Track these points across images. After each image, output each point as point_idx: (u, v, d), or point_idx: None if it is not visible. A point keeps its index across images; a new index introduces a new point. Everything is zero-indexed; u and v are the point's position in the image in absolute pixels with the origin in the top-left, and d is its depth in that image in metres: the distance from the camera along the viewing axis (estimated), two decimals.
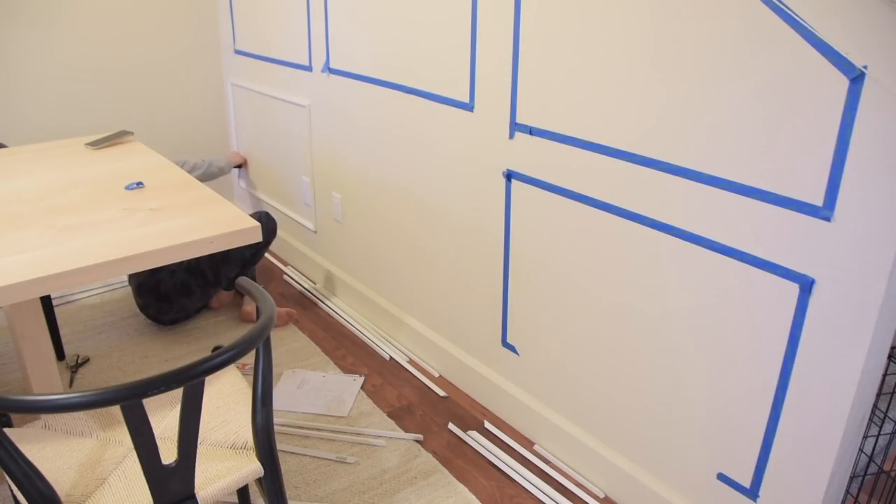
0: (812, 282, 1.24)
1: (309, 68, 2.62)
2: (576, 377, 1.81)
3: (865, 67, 1.09)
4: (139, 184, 1.75)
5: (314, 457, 1.91)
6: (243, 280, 1.35)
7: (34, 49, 2.90)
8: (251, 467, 1.22)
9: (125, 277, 2.93)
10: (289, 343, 2.48)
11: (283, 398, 2.16)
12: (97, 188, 1.74)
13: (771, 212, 1.28)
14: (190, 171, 2.80)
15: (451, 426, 2.05)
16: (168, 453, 1.12)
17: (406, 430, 2.03)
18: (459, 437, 2.00)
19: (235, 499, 1.67)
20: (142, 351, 2.41)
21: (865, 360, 1.21)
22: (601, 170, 1.58)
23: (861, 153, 1.13)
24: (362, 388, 2.23)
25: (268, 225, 2.58)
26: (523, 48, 1.69)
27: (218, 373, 1.46)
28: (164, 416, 1.35)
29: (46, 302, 2.26)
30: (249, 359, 2.30)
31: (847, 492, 1.44)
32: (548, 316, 1.84)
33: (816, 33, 1.14)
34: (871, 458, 1.62)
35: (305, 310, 2.72)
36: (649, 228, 1.51)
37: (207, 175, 2.95)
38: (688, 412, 1.54)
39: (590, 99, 1.56)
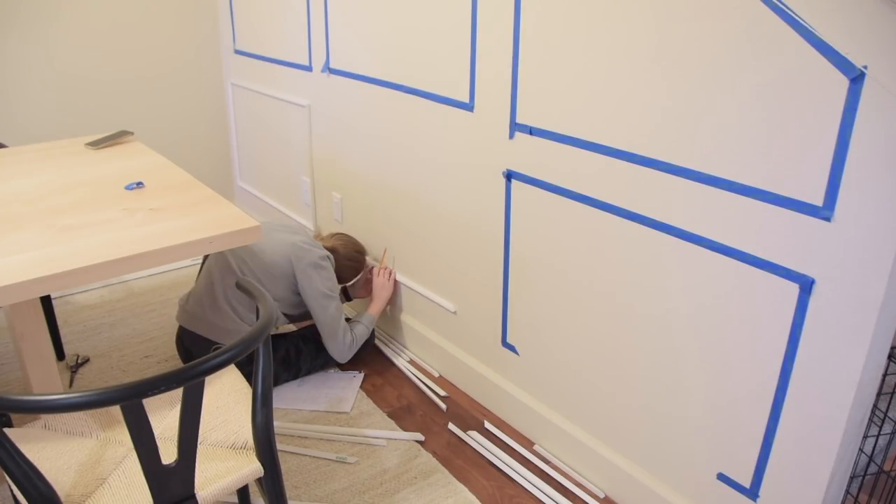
0: (812, 282, 1.24)
1: (309, 68, 2.62)
2: (576, 377, 1.81)
3: (865, 67, 1.09)
4: (139, 184, 1.75)
5: (314, 457, 1.91)
6: (242, 280, 1.35)
7: (33, 48, 2.90)
8: (251, 467, 1.22)
9: (125, 277, 2.93)
10: None
11: (284, 397, 2.16)
12: (97, 188, 1.74)
13: (771, 212, 1.28)
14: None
15: (451, 426, 2.05)
16: (168, 453, 1.12)
17: (406, 430, 2.03)
18: (459, 437, 2.00)
19: (235, 499, 1.67)
20: (142, 351, 2.41)
21: (865, 360, 1.21)
22: (601, 170, 1.58)
23: (861, 153, 1.13)
24: (362, 387, 2.23)
25: (370, 338, 2.35)
26: (523, 48, 1.69)
27: (218, 373, 1.46)
28: (164, 416, 1.35)
29: (46, 302, 2.26)
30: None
31: (847, 492, 1.44)
32: (548, 316, 1.84)
33: (816, 33, 1.14)
34: (871, 458, 1.62)
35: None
36: (649, 228, 1.51)
37: None
38: (688, 412, 1.54)
39: (590, 99, 1.56)
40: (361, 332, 2.24)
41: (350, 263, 2.35)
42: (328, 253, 2.19)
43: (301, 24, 2.58)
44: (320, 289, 2.11)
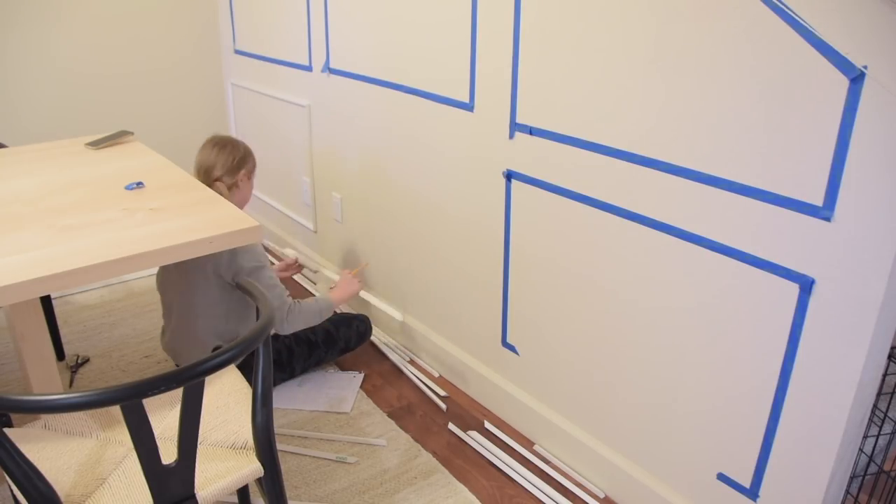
0: (812, 282, 1.24)
1: (309, 68, 2.62)
2: (576, 377, 1.81)
3: (865, 67, 1.09)
4: (139, 184, 1.75)
5: (314, 457, 1.91)
6: (243, 281, 1.35)
7: (34, 49, 2.90)
8: (251, 467, 1.22)
9: (125, 277, 2.93)
10: None
11: (284, 397, 2.16)
12: (97, 188, 1.74)
13: (771, 212, 1.28)
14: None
15: (451, 426, 2.05)
16: (168, 453, 1.12)
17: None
18: (459, 437, 2.00)
19: (235, 499, 1.67)
20: (142, 351, 2.41)
21: (865, 360, 1.21)
22: (601, 170, 1.58)
23: (861, 153, 1.13)
24: (362, 387, 2.23)
25: (366, 332, 2.33)
26: (523, 48, 1.69)
27: (218, 373, 1.46)
28: (164, 416, 1.35)
29: (46, 302, 2.26)
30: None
31: (847, 492, 1.44)
32: (548, 316, 1.84)
33: (816, 33, 1.14)
34: (871, 458, 1.62)
35: None
36: (649, 228, 1.51)
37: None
38: (688, 412, 1.54)
39: (590, 99, 1.56)
40: (307, 305, 2.08)
41: (250, 162, 2.12)
42: None
43: (301, 24, 2.58)
44: (256, 266, 1.95)
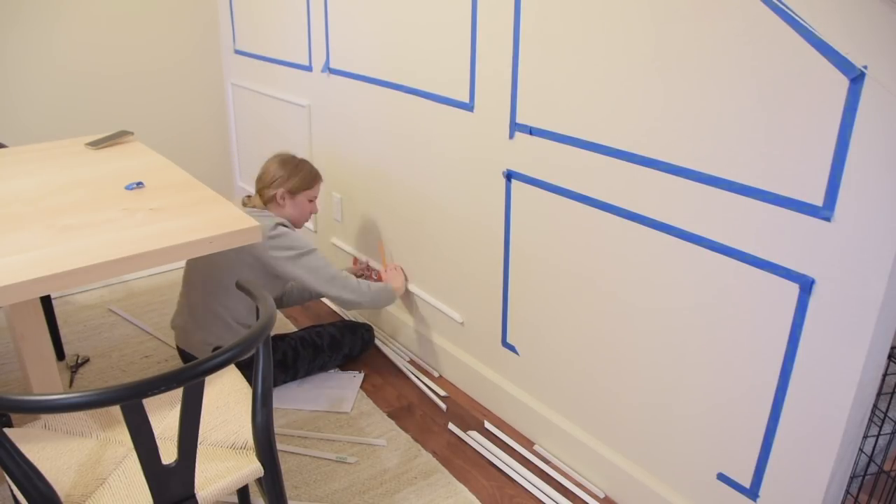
0: (812, 282, 1.24)
1: (309, 68, 2.62)
2: (576, 377, 1.81)
3: (865, 67, 1.09)
4: (139, 184, 1.75)
5: (314, 457, 1.91)
6: (242, 280, 1.35)
7: (34, 48, 2.90)
8: (251, 467, 1.22)
9: (125, 277, 2.93)
10: None
11: (284, 397, 2.16)
12: (97, 188, 1.74)
13: (771, 212, 1.28)
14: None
15: (451, 426, 2.05)
16: (168, 453, 1.12)
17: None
18: (459, 437, 2.00)
19: (235, 499, 1.67)
20: (142, 351, 2.41)
21: (865, 360, 1.21)
22: (601, 170, 1.58)
23: (861, 153, 1.13)
24: (362, 387, 2.23)
25: (370, 341, 2.37)
26: (523, 48, 1.69)
27: (218, 373, 1.46)
28: (164, 416, 1.35)
29: (46, 302, 2.26)
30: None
31: (847, 492, 1.44)
32: (548, 316, 1.84)
33: (816, 33, 1.14)
34: (871, 458, 1.62)
35: (306, 309, 2.72)
36: (649, 228, 1.51)
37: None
38: (688, 412, 1.54)
39: (590, 99, 1.56)
40: (375, 284, 2.16)
41: (303, 184, 2.16)
42: (276, 220, 2.04)
43: (301, 24, 2.58)
44: (289, 256, 2.01)
